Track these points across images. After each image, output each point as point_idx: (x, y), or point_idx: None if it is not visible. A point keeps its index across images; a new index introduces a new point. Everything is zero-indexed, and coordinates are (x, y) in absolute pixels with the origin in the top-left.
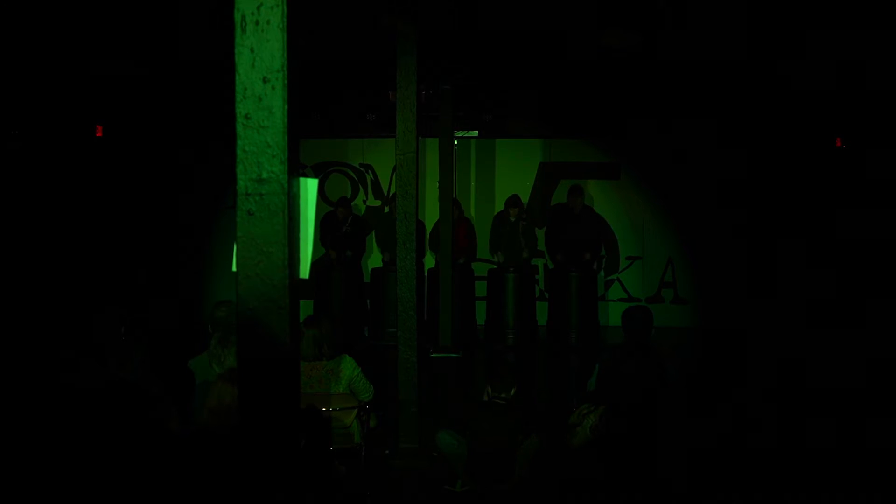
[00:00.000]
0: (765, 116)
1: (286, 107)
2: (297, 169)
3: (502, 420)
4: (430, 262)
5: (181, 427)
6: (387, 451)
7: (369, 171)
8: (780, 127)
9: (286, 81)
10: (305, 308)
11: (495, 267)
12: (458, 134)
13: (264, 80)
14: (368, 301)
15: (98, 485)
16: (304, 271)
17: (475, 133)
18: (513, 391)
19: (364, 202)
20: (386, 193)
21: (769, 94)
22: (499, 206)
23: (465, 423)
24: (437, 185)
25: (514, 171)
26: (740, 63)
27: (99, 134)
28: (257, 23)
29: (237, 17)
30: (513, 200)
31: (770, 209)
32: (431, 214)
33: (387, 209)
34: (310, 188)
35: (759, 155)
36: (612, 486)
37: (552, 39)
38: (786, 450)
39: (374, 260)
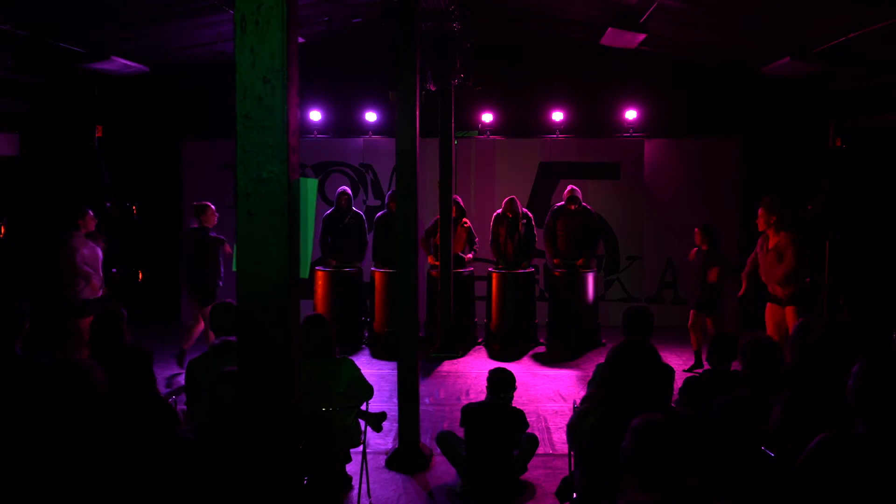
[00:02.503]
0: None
1: (286, 107)
2: (297, 169)
3: (502, 420)
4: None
5: (182, 427)
6: (387, 451)
7: (369, 171)
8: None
9: (286, 81)
10: (305, 308)
11: (495, 267)
12: (458, 134)
13: (264, 80)
14: (368, 301)
15: (99, 484)
16: (304, 271)
17: (475, 133)
18: (511, 392)
19: (364, 202)
20: (386, 193)
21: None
22: (499, 206)
23: (465, 422)
24: (438, 185)
25: (514, 171)
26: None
27: (99, 134)
28: (257, 23)
29: (237, 17)
30: (509, 206)
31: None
32: (432, 214)
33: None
34: (310, 188)
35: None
36: (611, 486)
37: (553, 39)
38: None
39: None
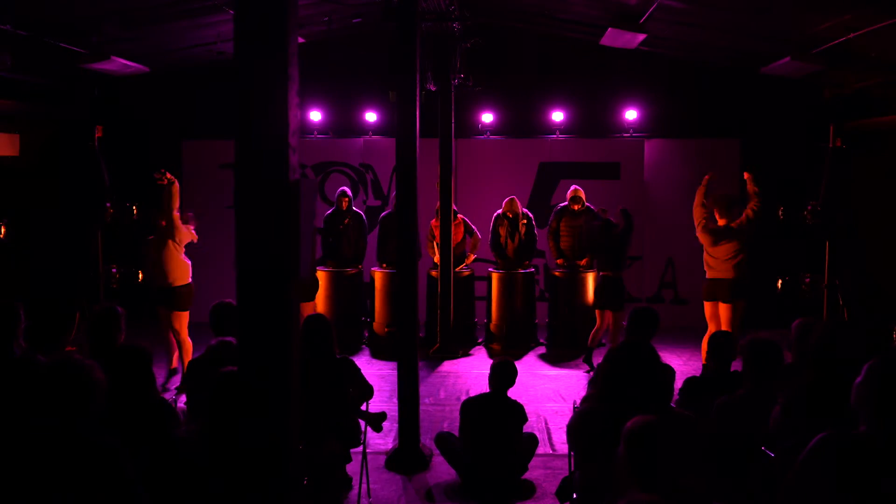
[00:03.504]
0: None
1: (286, 107)
2: (297, 169)
3: (502, 419)
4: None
5: (182, 427)
6: (387, 451)
7: (369, 171)
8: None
9: (286, 81)
10: (305, 308)
11: (495, 267)
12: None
13: (264, 81)
14: (368, 301)
15: (99, 484)
16: (304, 271)
17: (476, 133)
18: (510, 384)
19: (364, 202)
20: (386, 193)
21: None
22: (499, 206)
23: (465, 421)
24: (437, 185)
25: (514, 171)
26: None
27: (99, 134)
28: (258, 23)
29: (237, 17)
30: (509, 205)
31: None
32: (432, 215)
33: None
34: (310, 188)
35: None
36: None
37: (553, 39)
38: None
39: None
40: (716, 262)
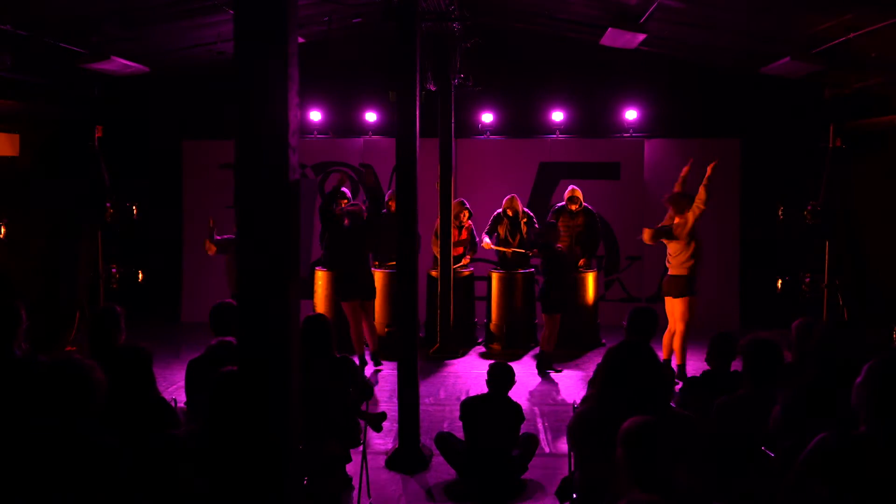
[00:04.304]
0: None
1: (286, 107)
2: (297, 169)
3: (501, 418)
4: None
5: (182, 427)
6: (387, 452)
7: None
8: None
9: (286, 81)
10: (305, 308)
11: (495, 267)
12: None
13: (265, 81)
14: None
15: (99, 484)
16: (305, 271)
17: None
18: (509, 386)
19: (364, 202)
20: (386, 193)
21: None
22: (499, 206)
23: (464, 421)
24: (437, 185)
25: (514, 171)
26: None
27: (99, 134)
28: (259, 22)
29: (237, 17)
30: (510, 203)
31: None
32: (431, 215)
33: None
34: (310, 188)
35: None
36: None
37: (553, 39)
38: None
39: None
40: (673, 258)
